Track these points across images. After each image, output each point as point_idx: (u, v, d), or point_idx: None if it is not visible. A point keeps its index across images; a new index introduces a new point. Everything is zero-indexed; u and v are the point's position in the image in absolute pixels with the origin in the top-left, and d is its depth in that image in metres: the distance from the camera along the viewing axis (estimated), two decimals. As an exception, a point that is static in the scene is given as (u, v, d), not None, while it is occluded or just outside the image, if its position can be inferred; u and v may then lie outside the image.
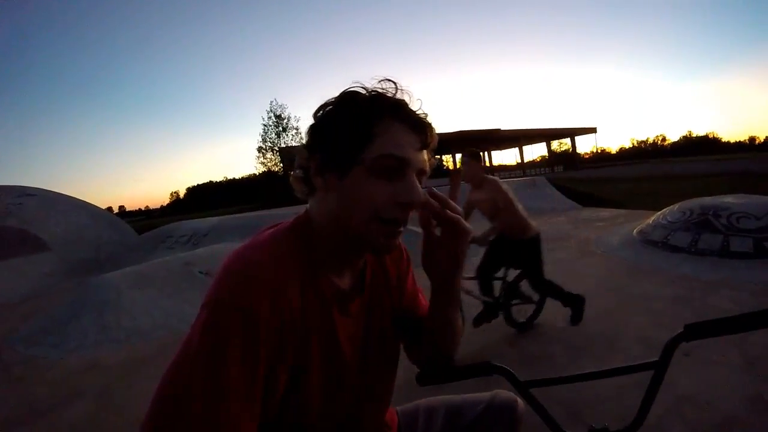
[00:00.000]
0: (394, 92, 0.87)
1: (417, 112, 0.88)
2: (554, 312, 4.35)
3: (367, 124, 0.83)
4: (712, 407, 2.59)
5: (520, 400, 1.21)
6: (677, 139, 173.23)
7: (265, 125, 45.67)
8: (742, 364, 3.06)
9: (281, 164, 45.09)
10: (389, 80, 0.88)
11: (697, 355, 3.20)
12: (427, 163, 0.90)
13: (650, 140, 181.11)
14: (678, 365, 3.04)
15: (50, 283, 10.40)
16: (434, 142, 0.91)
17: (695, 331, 0.98)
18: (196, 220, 11.70)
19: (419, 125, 0.87)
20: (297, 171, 0.93)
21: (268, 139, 45.62)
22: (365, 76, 0.88)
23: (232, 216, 11.26)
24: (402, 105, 0.86)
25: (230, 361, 0.69)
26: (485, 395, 1.25)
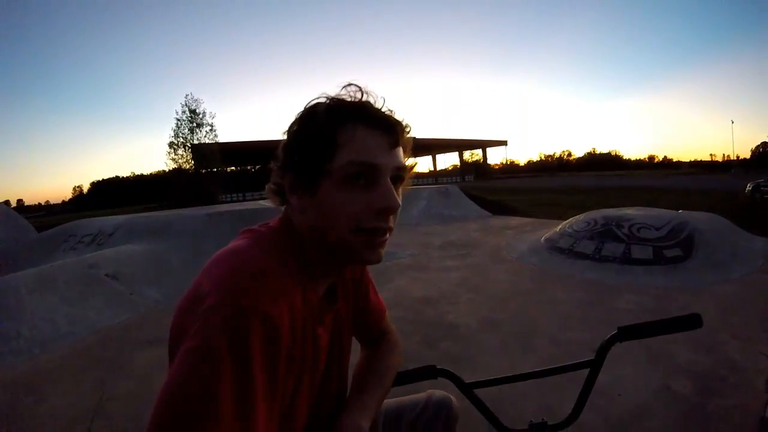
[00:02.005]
0: (359, 96, 0.84)
1: (384, 111, 0.84)
2: (472, 315, 4.52)
3: (329, 134, 0.79)
4: (624, 398, 2.82)
5: (453, 398, 1.27)
6: (582, 155, 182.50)
7: (178, 119, 43.94)
8: (647, 360, 3.32)
9: (193, 161, 43.61)
10: (352, 84, 0.85)
11: (609, 353, 3.40)
12: (405, 162, 0.86)
13: (557, 155, 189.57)
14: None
15: None
16: (408, 140, 0.88)
17: (626, 332, 1.13)
18: (102, 218, 11.02)
19: (385, 124, 0.82)
20: (272, 185, 0.90)
21: (181, 135, 43.95)
22: (325, 84, 0.87)
23: (140, 215, 10.71)
24: (364, 106, 0.83)
25: (255, 366, 0.65)
26: (421, 396, 1.28)
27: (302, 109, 0.85)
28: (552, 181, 49.00)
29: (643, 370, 3.18)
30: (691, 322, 1.09)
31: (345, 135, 0.79)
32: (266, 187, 0.90)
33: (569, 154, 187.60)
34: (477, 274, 6.37)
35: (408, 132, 0.87)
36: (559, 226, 7.63)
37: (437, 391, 1.30)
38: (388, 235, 0.83)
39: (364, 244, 0.80)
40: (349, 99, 0.83)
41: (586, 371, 1.17)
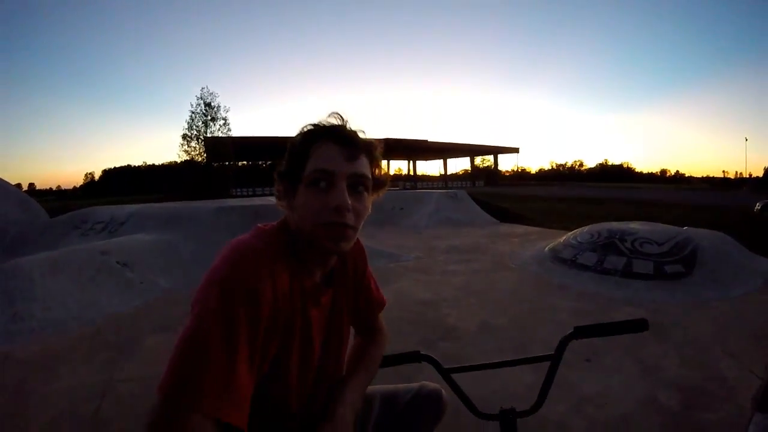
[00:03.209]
0: (334, 121, 1.08)
1: (349, 131, 1.07)
2: (471, 319, 4.63)
3: (304, 150, 1.05)
4: (610, 406, 2.93)
5: (444, 391, 1.44)
6: (593, 166, 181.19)
7: (193, 112, 44.23)
8: (638, 371, 3.42)
9: (205, 154, 43.86)
10: (334, 112, 1.09)
11: (598, 362, 3.52)
12: (369, 169, 1.09)
13: (568, 164, 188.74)
14: (580, 370, 3.34)
15: None
16: (374, 152, 1.11)
17: (582, 331, 1.33)
18: (114, 206, 11.16)
19: (344, 141, 1.04)
20: (275, 192, 1.14)
21: (195, 127, 44.25)
22: (337, 84, 1.12)
23: (152, 205, 10.87)
24: (331, 129, 1.06)
25: (240, 328, 0.86)
26: (414, 385, 1.45)
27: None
28: (562, 191, 48.85)
29: (633, 381, 3.28)
30: (639, 325, 1.33)
31: (314, 150, 1.04)
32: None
33: (581, 164, 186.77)
34: (480, 279, 6.47)
35: (377, 149, 1.12)
36: (564, 237, 7.71)
37: (429, 382, 1.46)
38: (348, 230, 1.04)
39: (326, 236, 1.01)
40: (325, 124, 1.08)
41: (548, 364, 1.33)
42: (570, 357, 3.87)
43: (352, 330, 1.38)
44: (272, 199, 10.71)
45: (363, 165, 1.07)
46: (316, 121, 1.09)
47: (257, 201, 10.82)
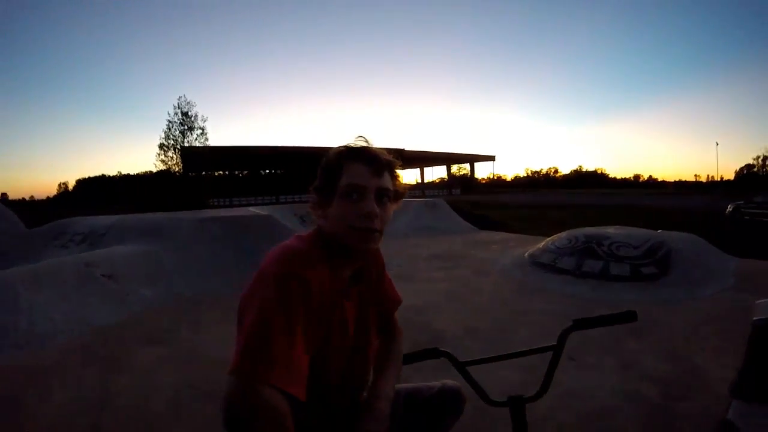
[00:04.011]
0: (361, 143, 1.30)
1: (374, 152, 1.27)
2: (457, 323, 4.78)
3: (337, 168, 1.24)
4: (593, 399, 3.11)
5: (462, 388, 1.60)
6: (568, 172, 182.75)
7: (170, 121, 43.79)
8: (618, 367, 3.61)
9: (182, 164, 43.41)
10: (361, 136, 1.32)
11: (581, 360, 3.68)
12: (391, 183, 1.29)
13: (543, 171, 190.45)
14: (565, 368, 3.49)
15: None
16: (394, 169, 1.32)
17: (580, 323, 1.53)
18: (93, 217, 11.02)
19: (371, 160, 1.24)
20: (310, 203, 1.33)
21: (172, 137, 43.80)
22: (349, 132, 1.34)
23: (132, 216, 10.78)
24: (359, 150, 1.26)
25: (296, 315, 1.04)
26: (436, 383, 1.62)
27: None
28: (538, 198, 49.50)
29: (613, 375, 3.46)
30: (629, 316, 1.54)
31: (346, 167, 1.24)
32: (308, 205, 1.36)
33: (556, 171, 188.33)
34: (461, 285, 6.61)
35: (396, 166, 1.32)
36: (543, 243, 7.88)
37: (449, 380, 1.64)
38: (376, 234, 1.23)
39: (357, 238, 1.22)
40: (354, 145, 1.28)
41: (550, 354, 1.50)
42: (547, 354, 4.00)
43: None
44: (253, 210, 10.74)
45: (386, 180, 1.27)
46: (345, 143, 1.29)
47: (239, 212, 10.78)
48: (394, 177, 1.32)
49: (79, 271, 6.12)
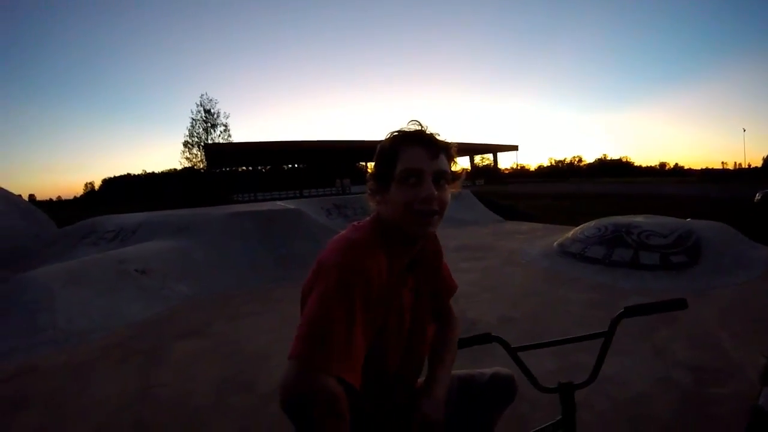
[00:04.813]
0: (414, 127, 1.29)
1: (429, 135, 1.27)
2: (490, 313, 4.86)
3: (393, 153, 1.25)
4: (628, 386, 3.15)
5: (515, 375, 1.63)
6: (593, 161, 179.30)
7: (193, 119, 44.25)
8: (651, 354, 3.64)
9: (206, 161, 43.78)
10: (413, 120, 1.30)
11: (615, 347, 3.68)
12: (448, 165, 1.29)
13: (567, 160, 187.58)
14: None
15: None
16: (450, 151, 1.31)
17: (631, 311, 1.54)
18: (122, 215, 11.23)
19: (427, 143, 1.25)
20: (368, 190, 1.34)
21: (195, 134, 44.27)
22: (401, 118, 1.33)
23: (161, 213, 10.96)
24: (414, 133, 1.27)
25: (356, 303, 1.06)
26: (488, 370, 1.64)
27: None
28: (562, 187, 48.98)
29: (647, 363, 3.49)
30: (679, 304, 1.54)
31: (402, 152, 1.24)
32: (366, 192, 1.36)
33: (580, 160, 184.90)
34: (492, 275, 6.66)
35: (452, 148, 1.32)
36: (571, 232, 7.86)
37: (502, 368, 1.65)
38: (435, 216, 1.24)
39: (417, 222, 1.22)
40: (407, 130, 1.28)
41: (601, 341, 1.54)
42: (590, 344, 3.98)
43: None
44: (281, 204, 10.85)
45: (443, 162, 1.27)
46: (398, 128, 1.29)
47: (267, 206, 10.92)
48: (451, 159, 1.32)
49: (114, 268, 6.28)
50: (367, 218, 1.34)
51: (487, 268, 7.15)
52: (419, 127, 1.29)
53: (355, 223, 1.33)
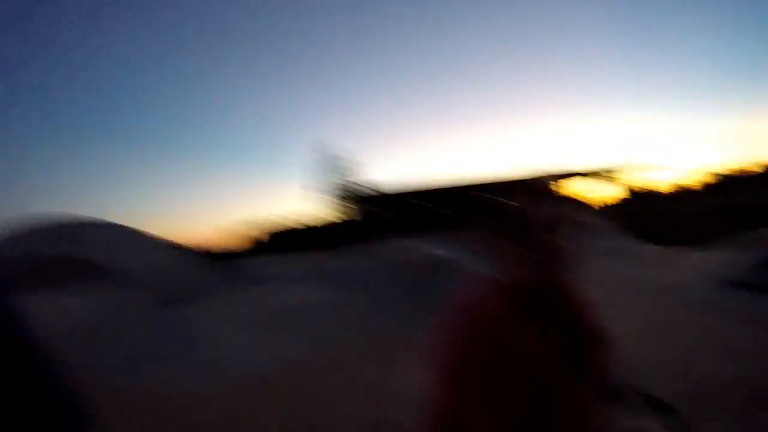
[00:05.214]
0: None
1: None
2: (653, 357, 4.26)
3: None
4: None
5: None
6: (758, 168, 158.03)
7: (328, 168, 46.04)
8: None
9: (352, 208, 45.00)
10: None
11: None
12: None
13: (733, 168, 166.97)
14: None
15: (125, 312, 10.95)
16: None
17: None
18: (277, 258, 11.93)
19: None
20: None
21: (336, 183, 45.92)
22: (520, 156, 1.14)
23: (315, 257, 11.50)
24: None
25: None
26: None
27: None
28: (720, 200, 44.33)
29: None
30: None
31: None
32: None
33: (742, 169, 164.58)
34: (651, 311, 5.97)
35: None
36: (733, 256, 7.01)
37: None
38: None
39: None
40: None
41: None
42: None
43: None
44: (438, 251, 10.60)
45: None
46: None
47: (423, 253, 10.44)
48: None
49: (269, 308, 6.60)
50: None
51: (645, 303, 6.40)
52: None
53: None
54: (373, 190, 45.58)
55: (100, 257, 13.34)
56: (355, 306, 7.27)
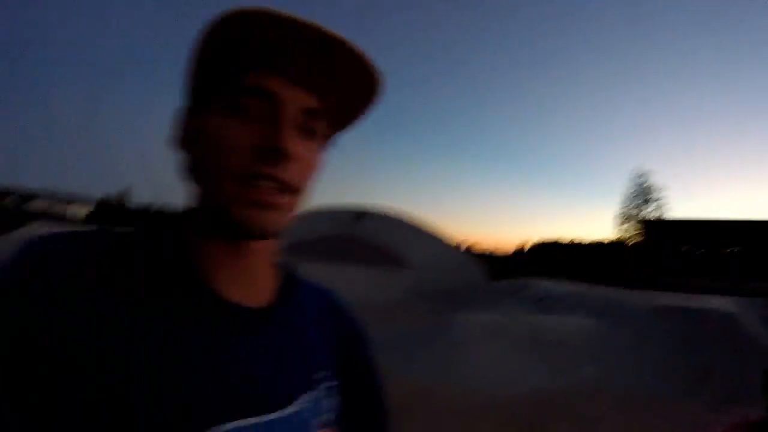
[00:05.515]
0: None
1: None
2: None
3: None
4: None
5: None
6: None
7: (628, 193, 43.45)
8: None
9: (642, 236, 42.12)
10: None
11: None
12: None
13: None
14: None
15: (404, 299, 12.13)
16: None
17: None
18: (549, 281, 11.79)
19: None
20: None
21: (630, 208, 43.26)
22: None
23: (586, 288, 11.03)
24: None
25: None
26: None
27: None
28: None
29: None
30: None
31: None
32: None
33: None
34: None
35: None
36: None
37: None
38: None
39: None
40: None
41: None
42: None
43: None
44: (714, 303, 9.45)
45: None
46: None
47: (696, 303, 9.28)
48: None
49: (529, 333, 6.60)
50: None
51: None
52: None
53: None
54: (667, 223, 42.05)
55: (395, 246, 15.06)
56: (614, 346, 6.87)
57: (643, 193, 43.16)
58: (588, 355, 6.57)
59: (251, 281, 0.58)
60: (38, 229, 15.28)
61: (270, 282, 0.61)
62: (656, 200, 42.99)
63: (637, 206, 43.09)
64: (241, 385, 0.50)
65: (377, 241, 15.09)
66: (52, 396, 0.43)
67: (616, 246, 44.63)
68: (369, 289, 10.69)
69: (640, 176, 43.53)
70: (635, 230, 42.78)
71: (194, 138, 0.55)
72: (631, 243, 42.93)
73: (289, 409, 0.53)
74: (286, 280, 0.63)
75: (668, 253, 44.42)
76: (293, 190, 0.53)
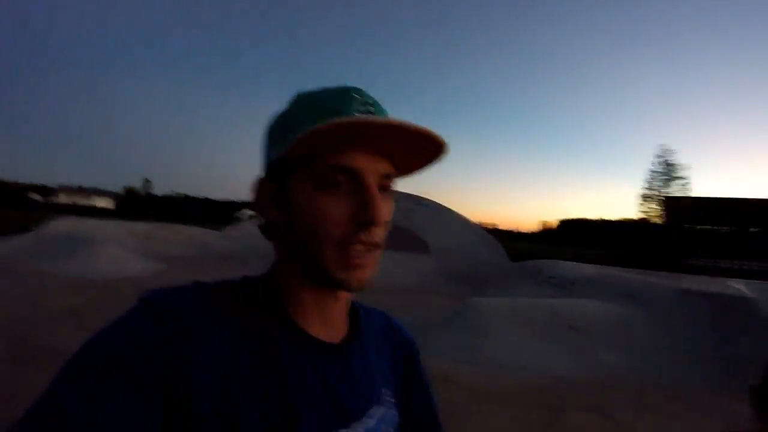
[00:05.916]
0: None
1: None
2: None
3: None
4: None
5: None
6: None
7: (652, 171, 42.68)
8: None
9: (664, 216, 41.48)
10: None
11: None
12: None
13: None
14: None
15: (428, 282, 12.29)
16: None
17: None
18: (570, 263, 11.64)
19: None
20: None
21: (654, 187, 42.53)
22: None
23: (606, 270, 10.84)
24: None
25: None
26: None
27: None
28: None
29: None
30: None
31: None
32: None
33: None
34: None
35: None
36: None
37: None
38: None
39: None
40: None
41: None
42: None
43: None
44: (738, 287, 9.12)
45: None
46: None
47: (719, 287, 8.70)
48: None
49: (550, 317, 6.54)
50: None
51: None
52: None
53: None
54: (693, 201, 41.26)
55: (418, 231, 15.22)
56: (637, 331, 6.81)
57: (667, 172, 42.39)
58: (610, 342, 6.46)
59: (331, 322, 0.67)
60: (65, 224, 15.54)
61: (344, 317, 0.70)
62: (680, 178, 42.21)
63: (662, 184, 42.36)
64: (332, 404, 0.61)
65: (400, 224, 15.23)
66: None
67: (639, 225, 43.94)
68: (391, 273, 10.78)
69: (664, 154, 42.68)
70: (659, 209, 42.11)
71: (283, 204, 0.62)
72: (654, 222, 42.29)
73: (365, 422, 0.64)
74: (352, 312, 0.72)
75: (692, 232, 43.65)
76: (380, 246, 0.61)
